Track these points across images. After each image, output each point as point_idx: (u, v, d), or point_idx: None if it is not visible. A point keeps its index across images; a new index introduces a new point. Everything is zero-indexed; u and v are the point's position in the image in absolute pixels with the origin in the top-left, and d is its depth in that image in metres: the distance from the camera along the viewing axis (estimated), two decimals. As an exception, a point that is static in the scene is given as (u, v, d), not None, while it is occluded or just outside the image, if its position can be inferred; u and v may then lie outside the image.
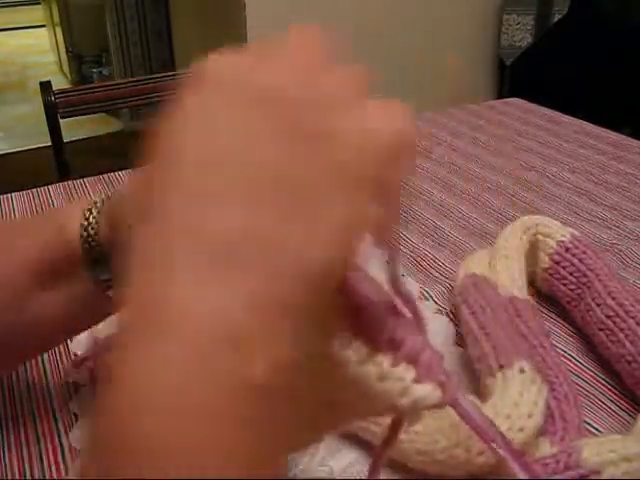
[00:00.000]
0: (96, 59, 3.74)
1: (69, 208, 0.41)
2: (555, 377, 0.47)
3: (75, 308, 0.41)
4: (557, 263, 0.60)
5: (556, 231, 0.61)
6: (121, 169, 0.91)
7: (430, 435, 0.42)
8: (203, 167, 0.22)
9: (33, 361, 0.54)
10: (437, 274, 0.67)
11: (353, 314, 0.27)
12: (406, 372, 0.26)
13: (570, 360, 0.55)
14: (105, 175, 0.91)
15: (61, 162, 1.20)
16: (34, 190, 0.87)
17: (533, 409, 0.42)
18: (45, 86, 1.17)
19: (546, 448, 0.42)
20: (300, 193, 0.21)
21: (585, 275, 0.58)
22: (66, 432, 0.48)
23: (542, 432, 0.43)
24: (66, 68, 3.89)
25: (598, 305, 0.54)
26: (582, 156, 0.97)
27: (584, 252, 0.59)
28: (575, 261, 0.59)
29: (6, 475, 0.44)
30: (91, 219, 0.39)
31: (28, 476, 0.44)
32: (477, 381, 0.49)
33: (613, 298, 0.54)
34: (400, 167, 0.24)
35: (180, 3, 2.42)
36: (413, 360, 0.26)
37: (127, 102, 1.26)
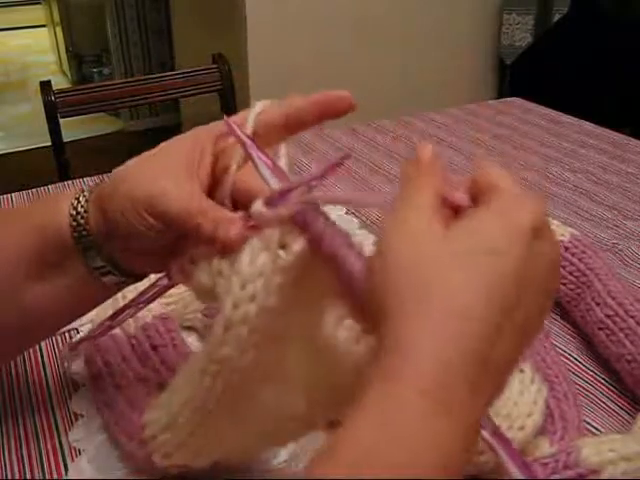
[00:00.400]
0: (96, 59, 3.74)
1: (57, 198, 0.41)
2: (555, 376, 0.47)
3: (69, 297, 0.42)
4: (557, 263, 0.60)
5: (556, 231, 0.61)
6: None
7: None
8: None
9: (33, 361, 0.54)
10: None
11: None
12: None
13: (570, 360, 0.55)
14: (105, 175, 0.91)
15: (61, 162, 1.20)
16: (34, 190, 0.87)
17: (533, 408, 0.43)
18: (45, 86, 1.17)
19: (545, 447, 0.42)
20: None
21: (585, 274, 0.58)
22: (66, 432, 0.48)
23: (541, 431, 0.43)
24: (66, 68, 3.89)
25: (598, 304, 0.54)
26: (582, 156, 0.97)
27: (584, 252, 0.59)
28: (575, 260, 0.59)
29: (6, 475, 0.44)
30: (79, 208, 0.39)
31: (28, 476, 0.44)
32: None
33: (613, 297, 0.54)
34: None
35: (180, 3, 2.42)
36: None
37: (127, 102, 1.26)
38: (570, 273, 0.59)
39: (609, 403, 0.51)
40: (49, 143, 1.18)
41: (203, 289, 0.35)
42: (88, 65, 3.76)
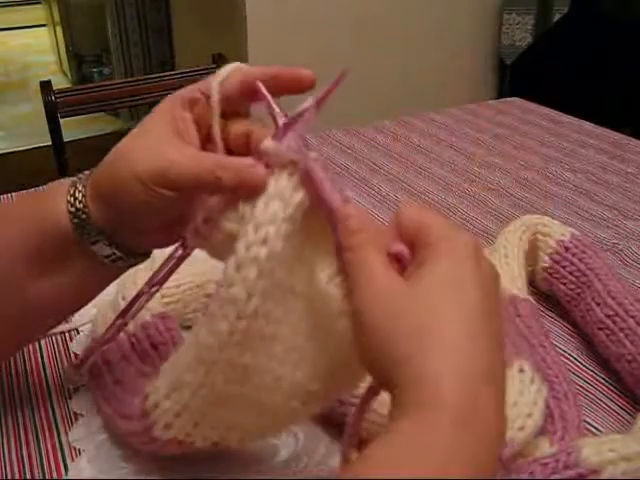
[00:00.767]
0: (96, 59, 3.74)
1: (49, 198, 0.41)
2: (555, 376, 0.47)
3: (71, 291, 0.42)
4: (557, 262, 0.60)
5: (556, 230, 0.61)
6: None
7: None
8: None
9: (33, 361, 0.54)
10: (437, 274, 0.67)
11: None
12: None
13: (570, 359, 0.55)
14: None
15: (61, 162, 1.20)
16: (34, 190, 0.87)
17: (533, 408, 0.43)
18: (45, 86, 1.17)
19: (545, 447, 0.42)
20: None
21: (585, 274, 0.58)
22: (66, 432, 0.48)
23: (542, 431, 0.43)
24: (66, 68, 3.89)
25: (598, 304, 0.54)
26: (582, 156, 0.97)
27: (584, 251, 0.59)
28: (575, 260, 0.59)
29: (6, 475, 0.44)
30: (78, 204, 0.39)
31: (28, 476, 0.44)
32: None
33: (613, 297, 0.54)
34: None
35: (180, 2, 2.42)
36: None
37: (127, 102, 1.26)
38: (570, 273, 0.59)
39: (609, 403, 0.51)
40: (49, 143, 1.18)
41: (228, 238, 0.35)
42: (88, 65, 3.76)
